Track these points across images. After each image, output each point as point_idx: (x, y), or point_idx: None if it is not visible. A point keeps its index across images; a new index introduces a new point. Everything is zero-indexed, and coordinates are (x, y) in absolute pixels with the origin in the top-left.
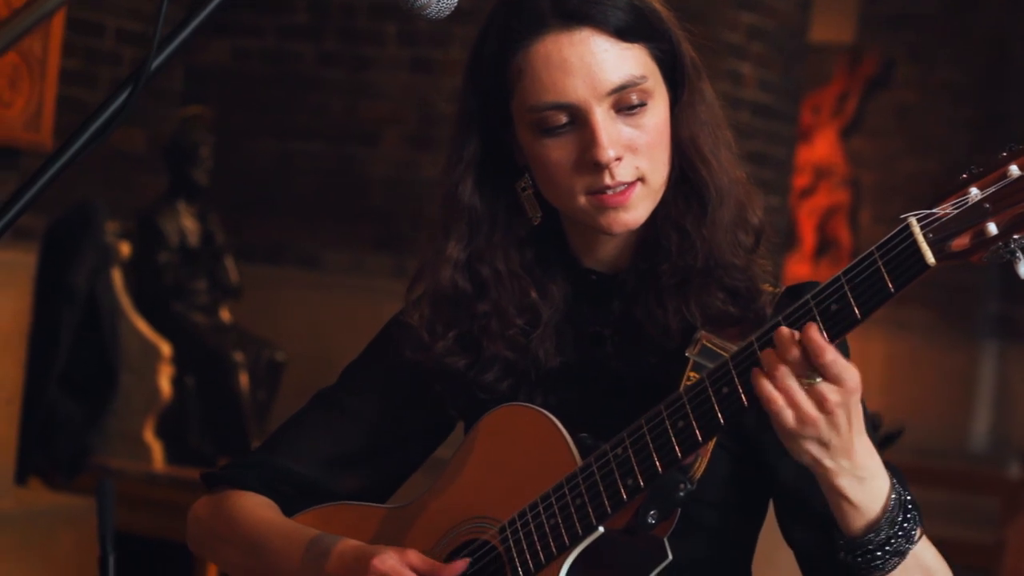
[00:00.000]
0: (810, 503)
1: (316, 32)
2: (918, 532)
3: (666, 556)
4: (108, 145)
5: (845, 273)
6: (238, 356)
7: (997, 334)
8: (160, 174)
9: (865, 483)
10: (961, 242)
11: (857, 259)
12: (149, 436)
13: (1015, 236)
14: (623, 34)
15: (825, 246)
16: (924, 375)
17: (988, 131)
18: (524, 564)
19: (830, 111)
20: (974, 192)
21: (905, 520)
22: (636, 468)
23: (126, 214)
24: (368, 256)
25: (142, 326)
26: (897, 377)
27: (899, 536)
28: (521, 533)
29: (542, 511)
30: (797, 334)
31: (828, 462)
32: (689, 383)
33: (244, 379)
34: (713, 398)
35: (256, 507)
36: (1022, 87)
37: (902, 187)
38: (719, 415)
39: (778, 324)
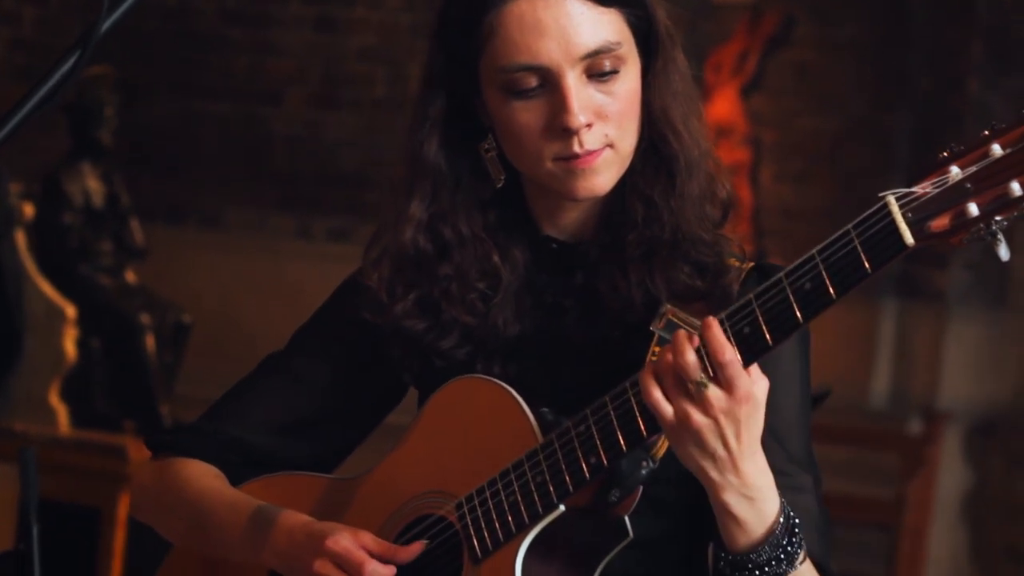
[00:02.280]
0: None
1: None
2: (801, 555)
3: (627, 534)
4: (8, 105)
5: (820, 251)
6: (144, 318)
7: (897, 292)
8: (63, 134)
9: (753, 504)
10: (941, 223)
11: (832, 237)
12: (54, 399)
13: (997, 217)
14: None
15: None
16: (824, 333)
17: (887, 89)
18: (482, 541)
19: (730, 69)
20: (955, 171)
21: (789, 544)
22: (599, 446)
23: (29, 175)
24: (271, 216)
25: (46, 288)
26: None
27: (780, 559)
28: (479, 510)
29: (501, 488)
30: (696, 337)
31: (714, 474)
32: (655, 359)
33: (150, 341)
34: None
35: (202, 476)
36: (921, 46)
37: (801, 145)
38: None
39: (749, 301)
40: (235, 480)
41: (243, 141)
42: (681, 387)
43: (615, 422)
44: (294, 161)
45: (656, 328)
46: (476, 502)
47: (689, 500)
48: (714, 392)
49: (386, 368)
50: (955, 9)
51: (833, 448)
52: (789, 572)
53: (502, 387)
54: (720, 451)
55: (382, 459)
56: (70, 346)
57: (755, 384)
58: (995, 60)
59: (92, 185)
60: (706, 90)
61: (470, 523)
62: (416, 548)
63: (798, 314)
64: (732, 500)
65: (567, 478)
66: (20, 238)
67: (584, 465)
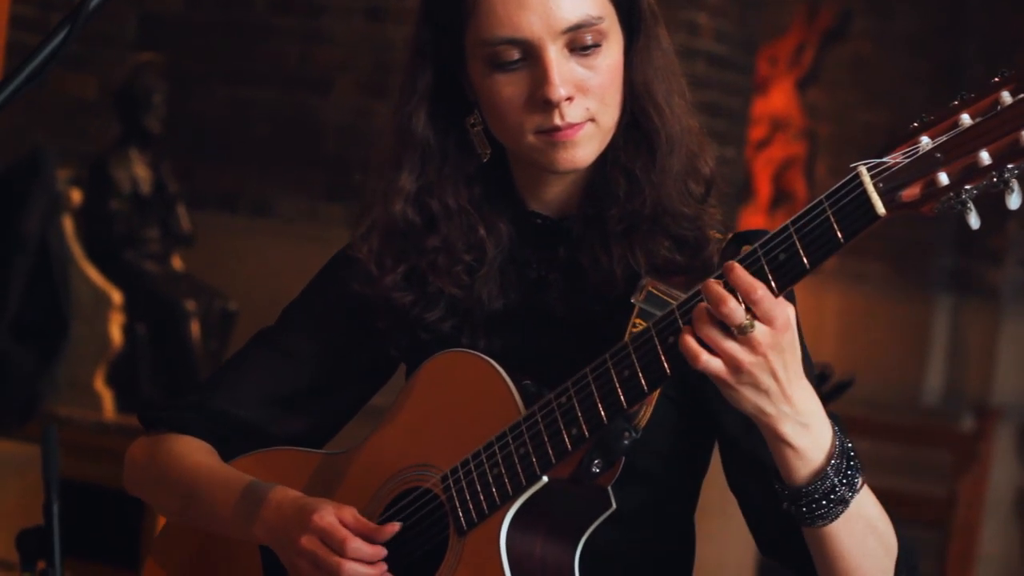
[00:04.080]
0: (755, 453)
1: None
2: (860, 480)
3: (610, 505)
4: (59, 92)
5: (793, 222)
6: (190, 305)
7: (951, 288)
8: (112, 121)
9: (809, 429)
10: (912, 192)
11: (805, 208)
12: (100, 384)
13: (966, 186)
14: None
15: (780, 198)
16: (878, 328)
17: (943, 83)
18: (467, 513)
19: (786, 62)
20: (925, 141)
21: (848, 468)
22: (581, 417)
23: (77, 161)
24: (321, 204)
25: (93, 274)
26: (851, 330)
27: (843, 484)
28: (464, 482)
29: (485, 460)
30: (723, 284)
31: (770, 408)
32: (635, 331)
33: (196, 328)
34: (659, 347)
35: (193, 451)
36: (977, 39)
37: (857, 139)
38: (665, 364)
39: (723, 273)
40: (227, 455)
41: (293, 129)
42: (723, 335)
43: (595, 393)
44: (344, 149)
45: (636, 300)
46: (460, 474)
47: (672, 470)
48: (760, 329)
49: (375, 342)
50: (1011, 1)
51: (885, 444)
52: (852, 498)
53: (485, 360)
54: (772, 385)
55: (370, 432)
56: (116, 332)
57: (787, 309)
58: None
59: (140, 172)
60: (761, 83)
61: (455, 495)
62: (392, 528)
63: (773, 284)
64: (789, 430)
65: (549, 449)
66: (67, 224)
67: (566, 436)
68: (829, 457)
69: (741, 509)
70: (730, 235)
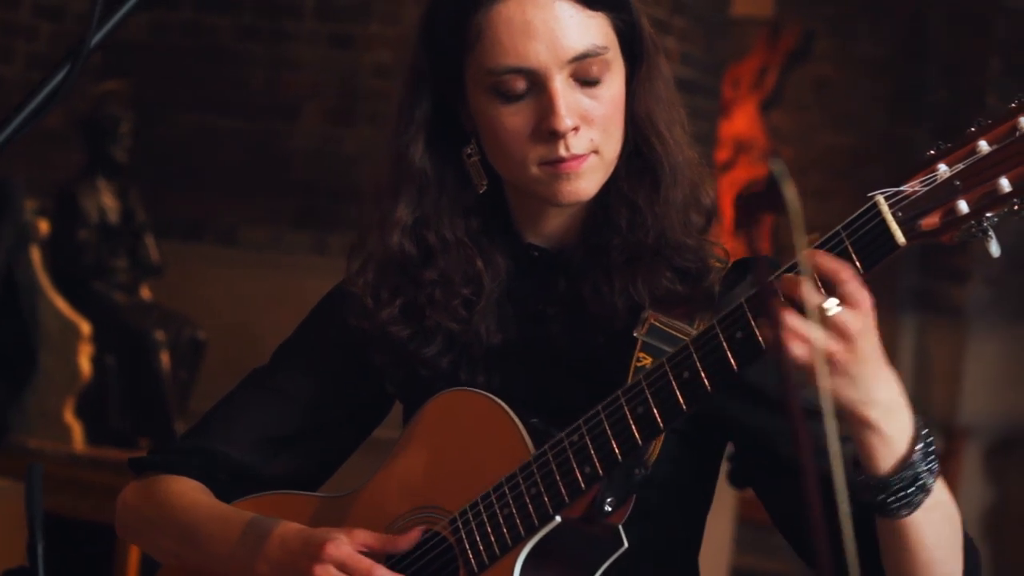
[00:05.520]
0: (795, 460)
1: (234, 5)
2: (937, 465)
3: (621, 544)
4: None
5: None
6: (159, 335)
7: (916, 308)
8: (78, 150)
9: (895, 415)
10: (931, 221)
11: (822, 239)
12: (69, 416)
13: (987, 214)
14: (589, 1)
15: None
16: None
17: (905, 104)
18: (477, 555)
19: (749, 85)
20: (943, 169)
21: (930, 453)
22: (594, 455)
23: (44, 191)
24: (288, 232)
25: (61, 304)
26: None
27: (926, 471)
28: (473, 524)
29: (495, 501)
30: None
31: (859, 395)
32: (640, 365)
33: (165, 358)
34: (674, 383)
35: (189, 491)
36: (939, 61)
37: (820, 161)
38: (681, 400)
39: (741, 306)
40: (222, 496)
41: (260, 156)
42: (806, 324)
43: (609, 431)
44: (311, 176)
45: (639, 334)
46: (470, 516)
47: (680, 505)
48: (845, 314)
49: (370, 380)
50: (972, 24)
51: None
52: (933, 485)
53: (491, 399)
54: (863, 370)
55: (371, 475)
56: (85, 363)
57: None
58: (1013, 74)
59: (107, 201)
60: (725, 105)
61: (464, 537)
62: (414, 535)
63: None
64: (878, 415)
65: (562, 488)
66: (35, 254)
67: (579, 475)
68: (913, 443)
69: (780, 529)
70: (730, 263)
